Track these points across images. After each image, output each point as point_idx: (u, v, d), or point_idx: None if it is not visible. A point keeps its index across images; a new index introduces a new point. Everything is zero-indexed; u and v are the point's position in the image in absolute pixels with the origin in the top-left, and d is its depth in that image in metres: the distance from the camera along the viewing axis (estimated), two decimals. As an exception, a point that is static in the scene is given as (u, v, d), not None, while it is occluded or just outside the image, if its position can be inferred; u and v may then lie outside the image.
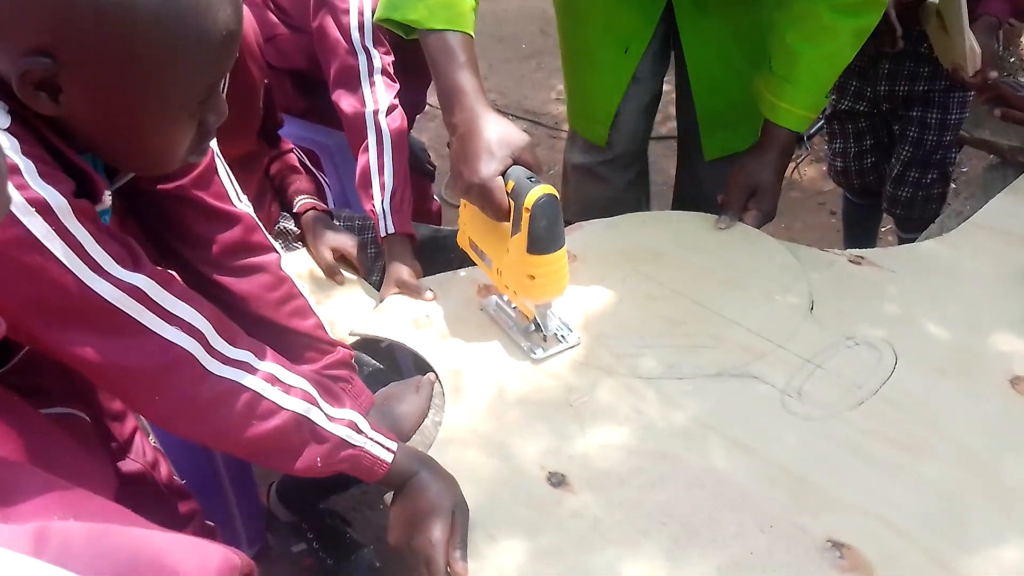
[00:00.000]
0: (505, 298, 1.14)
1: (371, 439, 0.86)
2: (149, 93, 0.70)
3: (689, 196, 1.66)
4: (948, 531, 0.82)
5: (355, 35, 1.27)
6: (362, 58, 1.27)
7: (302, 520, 1.55)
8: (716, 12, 1.38)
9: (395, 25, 1.11)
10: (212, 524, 1.41)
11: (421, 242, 1.30)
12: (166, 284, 0.76)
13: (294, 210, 1.37)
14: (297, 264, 1.36)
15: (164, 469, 1.30)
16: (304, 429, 0.82)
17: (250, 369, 0.80)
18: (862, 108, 1.81)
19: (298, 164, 1.43)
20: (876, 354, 1.03)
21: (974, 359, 1.02)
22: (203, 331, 0.77)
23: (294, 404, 0.82)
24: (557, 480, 0.91)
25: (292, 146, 1.46)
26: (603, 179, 1.60)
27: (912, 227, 1.81)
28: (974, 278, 1.16)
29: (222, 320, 0.80)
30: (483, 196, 1.00)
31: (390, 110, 1.28)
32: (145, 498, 1.27)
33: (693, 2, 1.38)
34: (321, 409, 0.84)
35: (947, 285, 1.15)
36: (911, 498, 0.85)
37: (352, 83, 1.28)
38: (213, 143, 0.98)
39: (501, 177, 1.00)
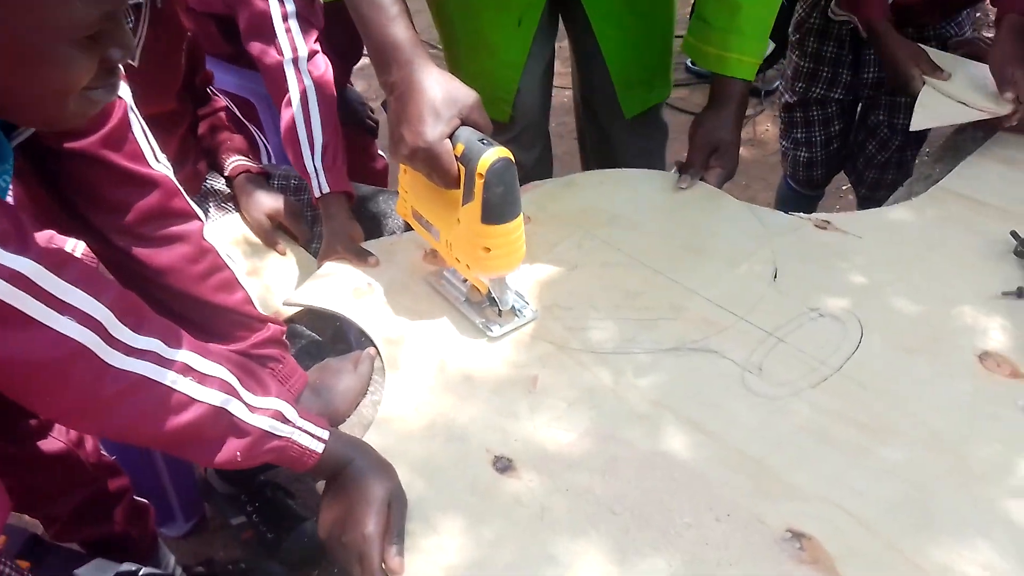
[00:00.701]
0: (453, 271, 1.05)
1: (299, 428, 0.79)
2: (21, 21, 0.60)
3: (601, 158, 1.61)
4: (912, 521, 0.77)
5: None
6: (273, 3, 1.15)
7: (241, 492, 1.49)
8: None
9: None
10: (144, 501, 1.34)
11: (363, 204, 1.21)
12: (58, 268, 0.66)
13: (226, 173, 1.27)
14: (230, 230, 1.27)
15: (90, 445, 1.22)
16: (222, 422, 0.74)
17: (158, 359, 0.71)
18: (836, 95, 1.68)
19: (228, 123, 1.32)
20: (841, 327, 0.98)
21: (942, 334, 0.97)
22: (101, 320, 0.68)
23: (210, 396, 0.74)
24: (503, 465, 0.85)
25: (224, 104, 1.34)
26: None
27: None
28: (943, 247, 1.11)
29: (126, 304, 0.71)
30: (429, 162, 0.91)
31: (311, 56, 1.16)
32: (70, 477, 1.19)
33: None
34: (241, 400, 0.76)
35: (915, 254, 1.10)
36: (874, 485, 0.81)
37: (266, 31, 1.16)
38: (127, 95, 0.87)
39: (449, 140, 0.90)
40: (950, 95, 1.29)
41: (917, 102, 1.29)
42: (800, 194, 1.92)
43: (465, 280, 1.03)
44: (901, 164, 1.70)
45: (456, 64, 1.48)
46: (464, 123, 0.91)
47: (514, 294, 1.02)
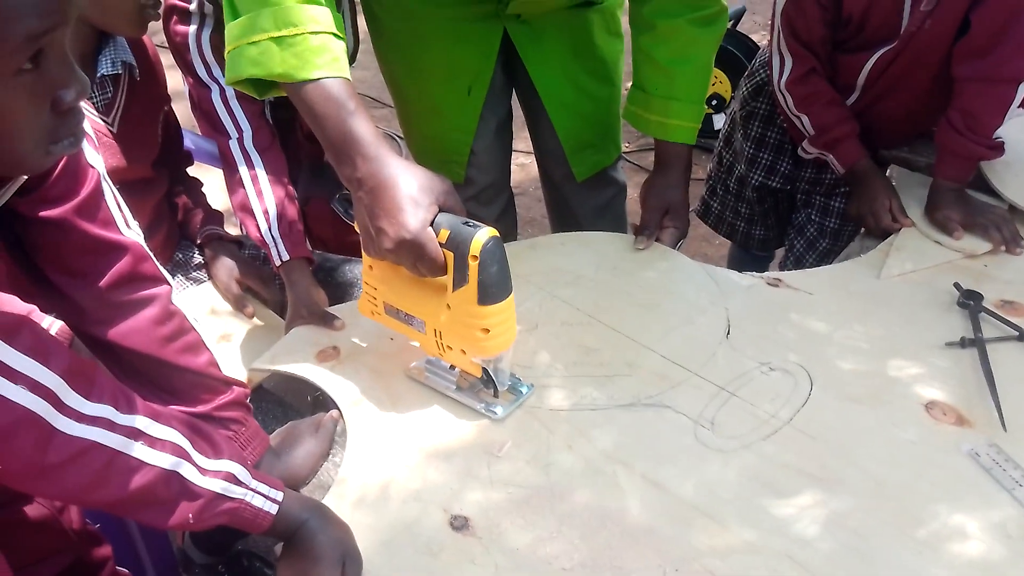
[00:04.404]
0: (436, 360, 1.03)
1: (252, 490, 0.80)
2: None
3: (561, 216, 1.66)
4: (855, 570, 0.79)
5: (200, 70, 1.21)
6: (213, 85, 1.22)
7: (219, 562, 1.48)
8: (552, 35, 1.38)
9: (250, 86, 0.97)
10: (125, 571, 1.34)
11: (329, 274, 1.25)
12: (10, 337, 0.68)
13: (198, 240, 1.31)
14: (200, 299, 1.30)
15: (74, 512, 1.22)
16: (173, 485, 0.76)
17: (109, 425, 0.73)
18: (774, 184, 1.62)
19: (204, 197, 1.37)
20: (791, 381, 1.01)
21: (890, 385, 1.00)
22: (53, 388, 0.70)
23: (161, 459, 0.75)
24: (459, 523, 0.86)
25: (201, 182, 1.40)
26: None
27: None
28: (891, 301, 1.14)
29: (79, 371, 0.73)
30: (415, 251, 0.88)
31: (256, 131, 1.22)
32: (52, 544, 1.19)
33: (529, 31, 1.37)
34: (193, 463, 0.78)
35: (864, 308, 1.13)
36: (822, 536, 0.82)
37: (210, 113, 1.22)
38: (100, 165, 0.91)
39: (431, 228, 0.89)
40: (927, 235, 1.27)
41: (894, 245, 1.25)
42: (751, 255, 1.86)
43: (452, 367, 1.02)
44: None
45: (408, 126, 1.53)
46: (442, 210, 0.90)
47: (508, 371, 0.99)
